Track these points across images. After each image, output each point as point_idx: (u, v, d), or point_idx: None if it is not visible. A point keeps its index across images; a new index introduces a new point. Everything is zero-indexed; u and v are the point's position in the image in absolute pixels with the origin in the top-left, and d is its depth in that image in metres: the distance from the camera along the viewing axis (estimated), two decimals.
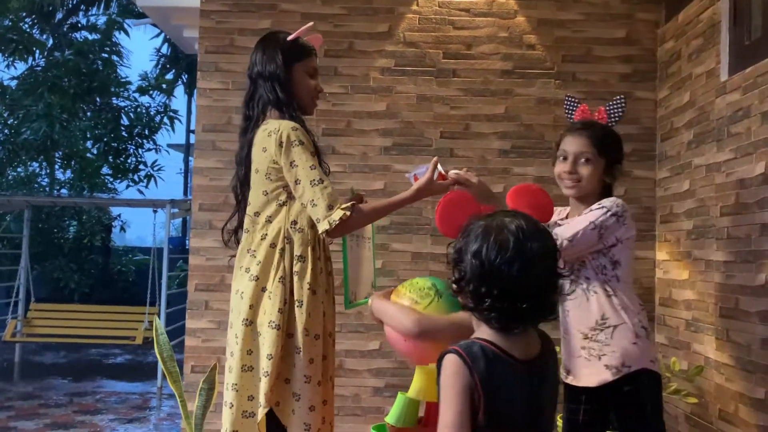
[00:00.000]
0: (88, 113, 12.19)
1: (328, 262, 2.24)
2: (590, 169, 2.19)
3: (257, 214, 2.16)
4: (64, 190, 11.58)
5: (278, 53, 2.20)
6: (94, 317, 7.87)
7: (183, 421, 3.31)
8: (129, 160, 12.31)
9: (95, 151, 12.13)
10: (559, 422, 3.14)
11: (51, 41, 13.01)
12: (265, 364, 2.04)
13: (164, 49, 15.34)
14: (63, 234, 11.47)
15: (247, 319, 2.09)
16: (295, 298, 2.09)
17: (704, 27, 3.37)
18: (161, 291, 7.02)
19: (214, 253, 3.84)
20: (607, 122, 2.31)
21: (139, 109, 12.35)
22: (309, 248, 2.12)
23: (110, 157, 12.12)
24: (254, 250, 2.14)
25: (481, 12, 3.94)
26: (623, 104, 2.33)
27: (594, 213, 2.11)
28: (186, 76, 15.44)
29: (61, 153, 11.41)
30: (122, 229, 12.75)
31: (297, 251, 2.11)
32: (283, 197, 2.14)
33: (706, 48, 3.34)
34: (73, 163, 11.64)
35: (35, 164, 11.60)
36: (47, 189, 11.46)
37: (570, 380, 2.22)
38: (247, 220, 2.20)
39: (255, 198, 2.17)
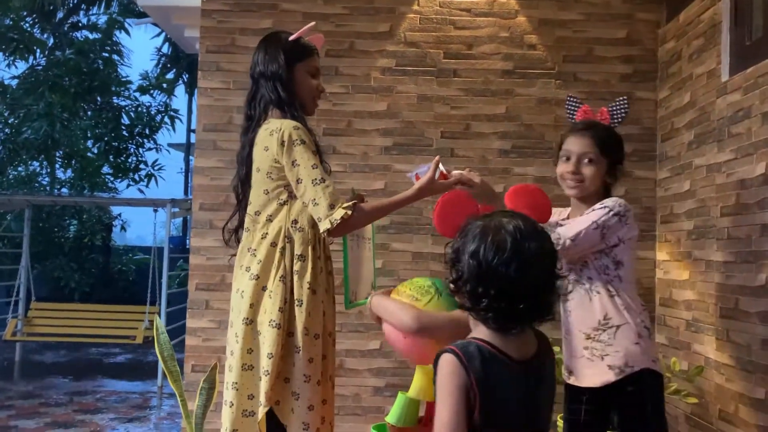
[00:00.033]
0: (89, 112, 12.19)
1: (329, 261, 2.24)
2: (593, 170, 2.19)
3: (258, 213, 2.16)
4: (64, 190, 11.58)
5: (280, 53, 2.21)
6: (95, 316, 7.88)
7: (183, 420, 3.31)
8: (129, 160, 12.31)
9: (96, 151, 12.13)
10: (560, 422, 3.14)
11: (52, 40, 13.00)
12: (265, 363, 2.04)
13: (165, 49, 15.33)
14: (63, 233, 11.47)
15: (247, 318, 2.09)
16: (295, 297, 2.09)
17: (705, 27, 3.38)
18: (161, 290, 7.02)
19: (215, 253, 3.84)
20: (610, 123, 2.32)
21: (139, 109, 12.36)
22: (309, 247, 2.12)
23: (111, 157, 12.12)
24: (255, 249, 2.14)
25: (482, 12, 3.94)
26: (626, 105, 2.33)
27: (596, 212, 2.12)
28: (187, 75, 15.44)
29: (61, 152, 11.41)
30: (123, 228, 12.76)
31: (297, 250, 2.11)
32: (284, 196, 2.14)
33: (707, 48, 3.34)
34: (73, 162, 11.64)
35: (36, 163, 11.59)
36: (48, 188, 11.46)
37: (572, 381, 2.21)
38: (247, 219, 2.20)
39: (256, 197, 2.18)
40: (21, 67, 12.12)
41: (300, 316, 2.08)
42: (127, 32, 12.97)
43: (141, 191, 12.36)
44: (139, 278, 11.27)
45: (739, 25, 3.13)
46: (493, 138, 3.89)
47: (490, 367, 1.37)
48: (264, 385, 2.04)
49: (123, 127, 12.14)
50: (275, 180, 2.13)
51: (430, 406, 2.09)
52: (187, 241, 13.51)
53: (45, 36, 12.90)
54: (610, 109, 2.33)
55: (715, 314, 3.15)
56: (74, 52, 11.63)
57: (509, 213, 1.46)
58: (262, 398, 2.04)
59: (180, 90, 15.86)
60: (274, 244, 2.11)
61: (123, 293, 11.12)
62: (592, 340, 2.15)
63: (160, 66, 15.38)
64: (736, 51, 3.13)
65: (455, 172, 2.18)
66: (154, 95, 13.17)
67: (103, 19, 13.12)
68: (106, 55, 12.24)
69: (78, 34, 13.23)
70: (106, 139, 11.92)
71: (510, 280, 1.35)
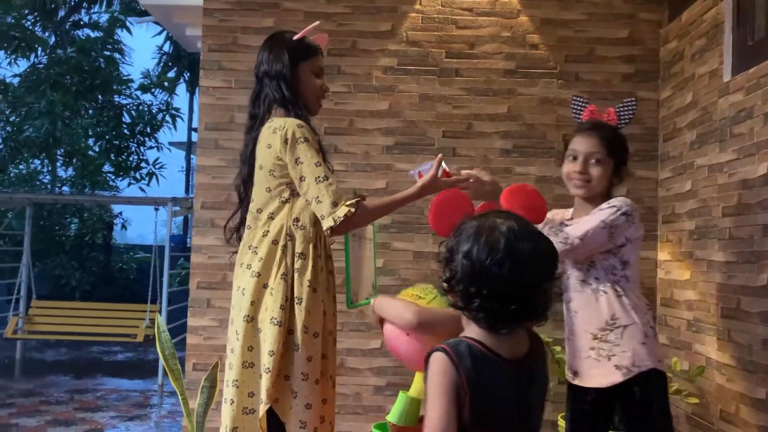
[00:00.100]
0: (90, 111, 12.19)
1: (329, 260, 2.24)
2: (600, 170, 2.19)
3: (260, 210, 2.16)
4: (65, 188, 11.59)
5: (284, 52, 2.21)
6: (96, 315, 7.89)
7: (185, 418, 3.32)
8: (131, 158, 12.32)
9: (97, 149, 12.13)
10: (561, 422, 3.15)
11: (53, 39, 13.01)
12: (266, 361, 2.04)
13: (166, 47, 15.33)
14: (64, 231, 11.46)
15: (248, 316, 2.09)
16: (295, 295, 2.09)
17: (707, 27, 3.37)
18: (162, 289, 7.02)
19: (216, 251, 3.84)
20: (617, 124, 2.31)
21: (141, 107, 12.36)
22: (310, 246, 2.12)
23: (112, 155, 12.12)
24: (256, 247, 2.14)
25: (484, 11, 3.94)
26: (634, 107, 2.33)
27: (604, 212, 2.11)
28: (188, 74, 15.45)
29: (63, 150, 11.42)
30: (124, 226, 12.76)
31: (298, 248, 2.11)
32: (286, 194, 2.14)
33: (709, 48, 3.34)
34: (74, 160, 11.64)
35: (37, 162, 11.60)
36: (49, 186, 11.46)
37: (577, 381, 2.21)
38: (249, 217, 2.20)
39: (258, 195, 2.18)
40: (22, 65, 12.14)
41: (300, 314, 2.08)
42: (129, 31, 12.99)
43: (142, 190, 12.37)
44: (140, 277, 11.28)
45: (741, 25, 3.13)
46: (495, 137, 3.89)
47: (481, 365, 1.37)
48: (265, 382, 2.04)
49: (124, 126, 12.15)
50: (278, 178, 2.13)
51: None
52: (188, 239, 13.53)
53: (46, 34, 12.90)
54: (617, 109, 2.33)
55: (716, 314, 3.15)
56: (76, 50, 11.64)
57: (504, 213, 1.46)
58: (263, 396, 2.04)
59: (181, 88, 15.89)
60: (275, 242, 2.11)
61: (124, 292, 11.12)
62: (599, 341, 2.14)
63: (162, 64, 15.39)
64: (738, 51, 3.13)
65: (465, 172, 2.18)
66: (155, 94, 13.19)
67: (104, 18, 13.13)
68: (108, 53, 12.25)
69: (79, 33, 13.24)
70: (107, 137, 11.92)
71: (503, 280, 1.35)
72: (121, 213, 12.55)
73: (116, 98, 12.37)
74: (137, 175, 12.39)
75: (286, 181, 2.13)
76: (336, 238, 2.19)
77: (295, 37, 2.24)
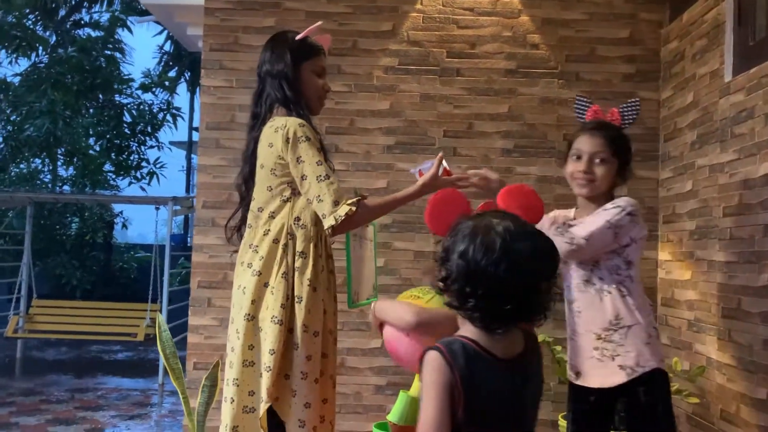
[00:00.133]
0: (91, 110, 12.20)
1: (330, 259, 2.24)
2: (605, 170, 2.19)
3: (261, 209, 2.17)
4: (66, 187, 11.60)
5: (287, 52, 2.22)
6: (96, 314, 7.88)
7: (185, 417, 3.32)
8: (131, 158, 12.33)
9: (98, 148, 12.14)
10: (561, 422, 3.15)
11: (54, 38, 13.01)
12: (267, 359, 2.04)
13: (167, 47, 15.34)
14: (65, 231, 11.48)
15: (249, 314, 2.09)
16: (295, 293, 2.09)
17: (708, 27, 3.37)
18: (163, 288, 7.02)
19: (217, 251, 3.85)
20: (621, 124, 2.31)
21: (141, 107, 12.37)
22: (311, 245, 2.12)
23: (113, 154, 12.13)
24: (256, 246, 2.14)
25: (485, 11, 3.94)
26: (638, 107, 2.33)
27: (609, 212, 2.11)
28: (189, 73, 15.45)
29: (63, 150, 11.43)
30: (124, 226, 12.77)
31: (299, 247, 2.11)
32: (287, 193, 2.14)
33: (710, 48, 3.34)
34: (75, 159, 11.65)
35: (38, 161, 11.61)
36: (50, 186, 11.47)
37: (579, 381, 2.21)
38: (250, 216, 2.20)
39: (259, 194, 2.18)
40: (23, 64, 12.16)
41: (300, 313, 2.08)
42: (130, 30, 13.00)
43: (143, 189, 12.38)
44: (140, 276, 11.28)
45: (742, 25, 3.13)
46: (496, 137, 3.89)
47: (475, 364, 1.37)
48: (265, 381, 2.04)
49: (125, 125, 12.16)
50: (279, 177, 2.13)
51: None
52: (189, 238, 13.54)
53: (47, 33, 12.92)
54: (621, 110, 2.33)
55: (717, 314, 3.15)
56: (77, 49, 11.65)
57: (500, 213, 1.45)
58: (263, 394, 2.04)
59: (182, 88, 15.90)
60: (276, 241, 2.11)
61: (124, 291, 11.13)
62: (602, 341, 2.14)
63: (163, 64, 15.40)
64: (739, 51, 3.13)
65: (471, 172, 2.19)
66: (156, 93, 13.20)
67: (105, 17, 13.15)
68: (109, 52, 12.27)
69: (80, 32, 13.26)
70: (108, 136, 11.93)
71: (498, 280, 1.34)
72: (121, 212, 12.57)
73: (117, 98, 12.37)
74: (138, 175, 12.41)
75: (287, 180, 2.13)
76: (336, 238, 2.19)
77: (298, 37, 2.25)
